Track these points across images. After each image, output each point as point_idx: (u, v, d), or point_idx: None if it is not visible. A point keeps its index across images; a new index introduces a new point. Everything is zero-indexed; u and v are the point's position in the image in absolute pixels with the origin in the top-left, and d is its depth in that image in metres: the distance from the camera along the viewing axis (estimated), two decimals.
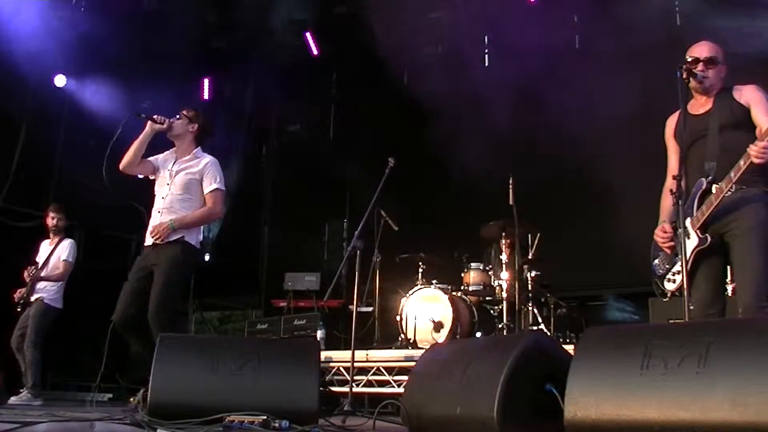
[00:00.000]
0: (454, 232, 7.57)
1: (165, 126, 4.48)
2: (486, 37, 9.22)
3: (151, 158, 4.57)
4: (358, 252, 4.55)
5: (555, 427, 2.31)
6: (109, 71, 8.81)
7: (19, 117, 8.16)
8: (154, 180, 4.62)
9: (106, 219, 9.11)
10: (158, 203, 4.49)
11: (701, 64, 3.36)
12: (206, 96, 9.99)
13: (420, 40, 9.31)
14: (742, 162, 3.07)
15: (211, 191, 4.46)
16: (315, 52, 9.64)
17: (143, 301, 4.24)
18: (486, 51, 9.24)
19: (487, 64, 9.25)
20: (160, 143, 4.67)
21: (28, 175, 8.16)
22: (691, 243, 3.23)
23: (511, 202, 5.88)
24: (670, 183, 3.48)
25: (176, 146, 4.61)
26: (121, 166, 4.43)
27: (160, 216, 4.42)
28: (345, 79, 10.28)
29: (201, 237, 4.54)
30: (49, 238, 6.63)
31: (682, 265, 3.16)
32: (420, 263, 6.77)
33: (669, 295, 3.47)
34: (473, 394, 2.59)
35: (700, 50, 3.41)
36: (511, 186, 5.92)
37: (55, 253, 6.42)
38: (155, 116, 4.45)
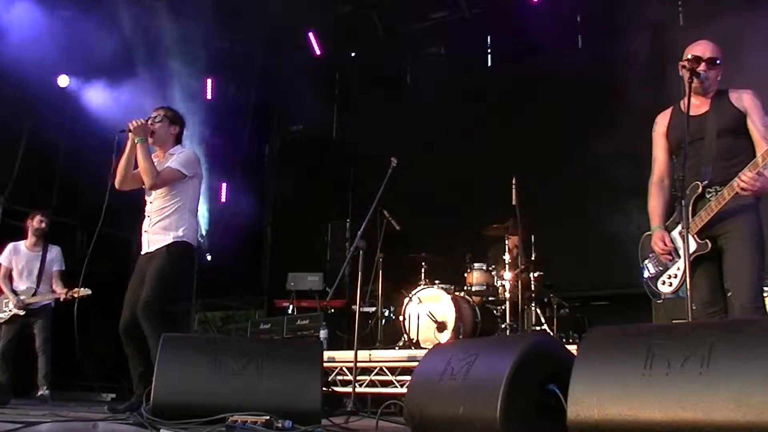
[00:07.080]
0: (457, 232, 7.56)
1: (148, 135, 4.35)
2: (489, 38, 9.23)
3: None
4: (360, 252, 4.55)
5: (558, 428, 2.31)
6: (112, 71, 8.81)
7: (21, 117, 8.16)
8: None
9: (107, 220, 9.12)
10: (148, 207, 4.50)
11: (704, 64, 3.32)
12: (209, 96, 10.00)
13: (422, 40, 9.33)
14: (726, 192, 3.17)
15: (167, 166, 4.38)
16: (318, 52, 9.66)
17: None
18: (489, 51, 9.26)
19: (489, 65, 9.29)
20: None
21: (30, 175, 8.16)
22: (690, 248, 3.23)
23: (514, 203, 5.87)
24: (657, 179, 3.60)
25: (157, 151, 4.52)
26: (116, 185, 4.39)
27: (150, 220, 4.43)
28: (347, 78, 10.28)
29: (196, 234, 4.50)
30: (24, 239, 6.54)
31: (685, 266, 3.17)
32: (423, 263, 6.77)
33: (663, 297, 3.50)
34: (476, 394, 2.59)
35: (702, 49, 3.36)
36: (514, 186, 5.92)
37: (48, 262, 6.39)
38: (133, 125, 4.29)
